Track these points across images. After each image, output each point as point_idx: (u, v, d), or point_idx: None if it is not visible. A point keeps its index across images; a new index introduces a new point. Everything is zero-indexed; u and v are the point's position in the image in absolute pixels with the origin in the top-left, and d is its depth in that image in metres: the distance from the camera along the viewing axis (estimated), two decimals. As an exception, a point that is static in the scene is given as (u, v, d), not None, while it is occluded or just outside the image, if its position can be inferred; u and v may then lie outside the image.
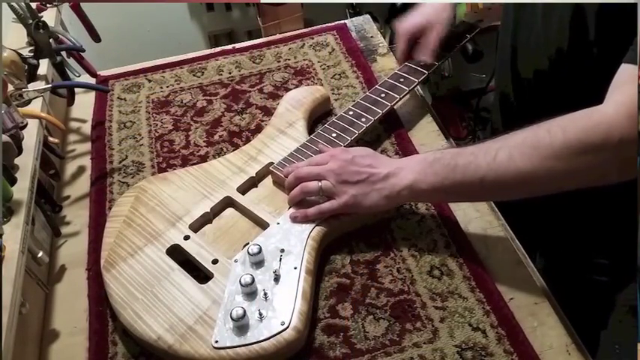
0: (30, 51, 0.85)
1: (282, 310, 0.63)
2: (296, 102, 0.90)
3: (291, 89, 0.96)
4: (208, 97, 1.00)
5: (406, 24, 0.89)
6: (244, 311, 0.61)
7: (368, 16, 1.18)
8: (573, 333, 0.65)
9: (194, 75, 1.05)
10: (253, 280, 0.64)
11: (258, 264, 0.67)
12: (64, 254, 0.78)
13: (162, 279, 0.67)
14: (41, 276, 0.72)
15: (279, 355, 0.61)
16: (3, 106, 0.67)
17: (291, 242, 0.69)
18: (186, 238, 0.72)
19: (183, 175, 0.80)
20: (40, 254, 0.67)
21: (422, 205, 0.77)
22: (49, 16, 0.93)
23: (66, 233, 0.80)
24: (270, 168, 0.79)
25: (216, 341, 0.61)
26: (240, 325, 0.61)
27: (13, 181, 0.66)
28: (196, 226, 0.74)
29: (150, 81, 1.05)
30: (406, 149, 0.85)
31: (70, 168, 0.91)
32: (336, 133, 0.81)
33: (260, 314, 0.62)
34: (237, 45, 1.12)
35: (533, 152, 0.60)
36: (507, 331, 0.63)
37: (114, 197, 0.83)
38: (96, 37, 1.01)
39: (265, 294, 0.64)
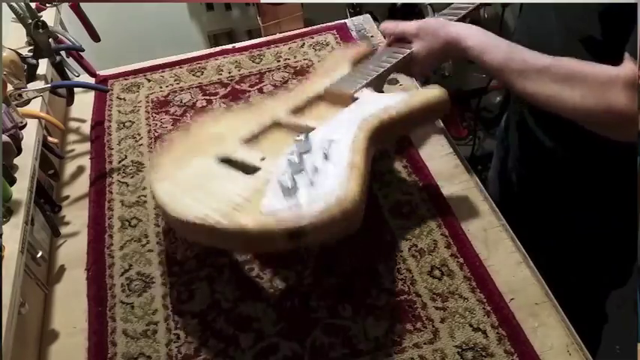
0: (29, 51, 0.85)
1: (335, 181, 0.58)
2: (341, 54, 0.89)
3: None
4: (208, 97, 0.99)
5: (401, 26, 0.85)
6: (294, 180, 0.58)
7: (368, 16, 1.18)
8: (574, 333, 0.64)
9: (194, 75, 1.05)
10: (302, 159, 0.61)
11: (307, 151, 0.64)
12: (63, 254, 0.78)
13: (212, 177, 0.64)
14: (40, 276, 0.72)
15: (330, 227, 0.55)
16: (2, 105, 0.67)
17: (341, 132, 0.66)
18: (236, 150, 0.68)
19: (227, 112, 0.79)
20: (40, 254, 0.67)
21: (422, 205, 0.77)
22: (48, 15, 0.93)
23: (65, 233, 0.80)
24: (329, 86, 0.77)
25: (265, 207, 0.57)
26: (291, 190, 0.57)
27: (12, 181, 0.66)
28: (246, 140, 0.71)
29: (149, 81, 1.05)
30: (406, 149, 0.85)
31: (70, 168, 0.91)
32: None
33: (311, 182, 0.58)
34: (237, 44, 1.12)
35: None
36: (508, 331, 0.63)
37: (113, 197, 0.83)
38: (95, 37, 1.01)
39: (316, 168, 0.61)
